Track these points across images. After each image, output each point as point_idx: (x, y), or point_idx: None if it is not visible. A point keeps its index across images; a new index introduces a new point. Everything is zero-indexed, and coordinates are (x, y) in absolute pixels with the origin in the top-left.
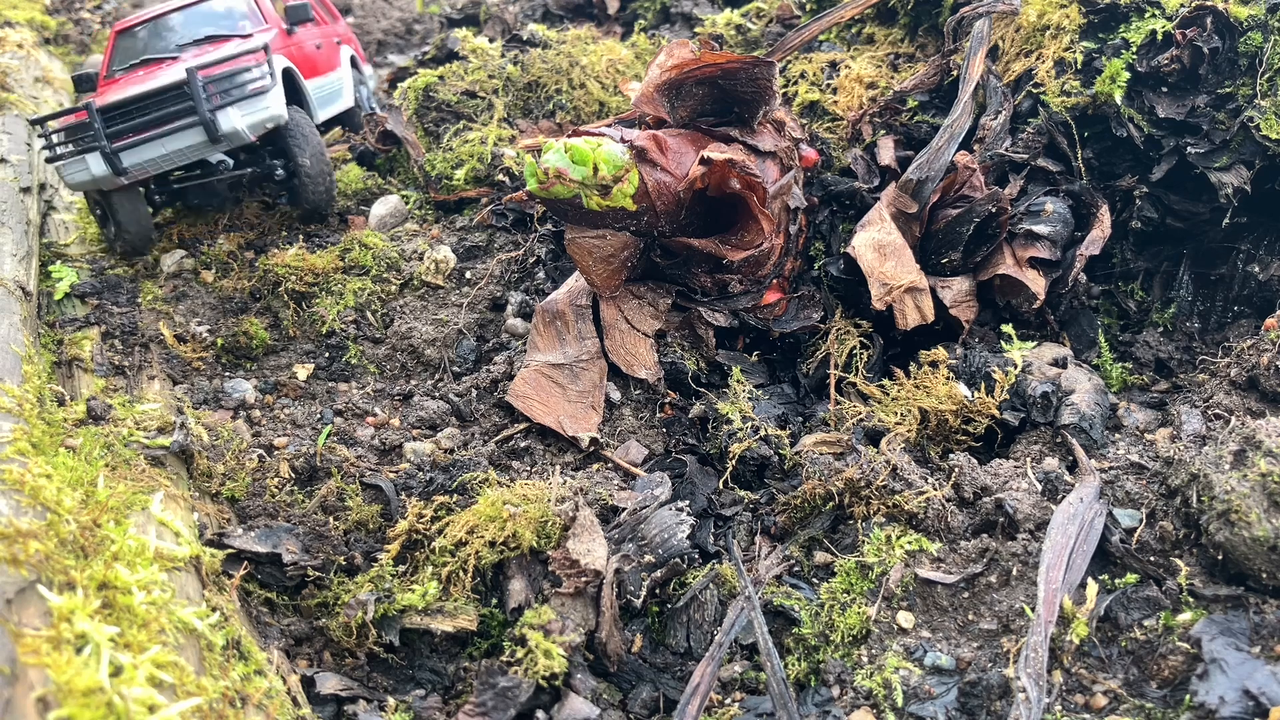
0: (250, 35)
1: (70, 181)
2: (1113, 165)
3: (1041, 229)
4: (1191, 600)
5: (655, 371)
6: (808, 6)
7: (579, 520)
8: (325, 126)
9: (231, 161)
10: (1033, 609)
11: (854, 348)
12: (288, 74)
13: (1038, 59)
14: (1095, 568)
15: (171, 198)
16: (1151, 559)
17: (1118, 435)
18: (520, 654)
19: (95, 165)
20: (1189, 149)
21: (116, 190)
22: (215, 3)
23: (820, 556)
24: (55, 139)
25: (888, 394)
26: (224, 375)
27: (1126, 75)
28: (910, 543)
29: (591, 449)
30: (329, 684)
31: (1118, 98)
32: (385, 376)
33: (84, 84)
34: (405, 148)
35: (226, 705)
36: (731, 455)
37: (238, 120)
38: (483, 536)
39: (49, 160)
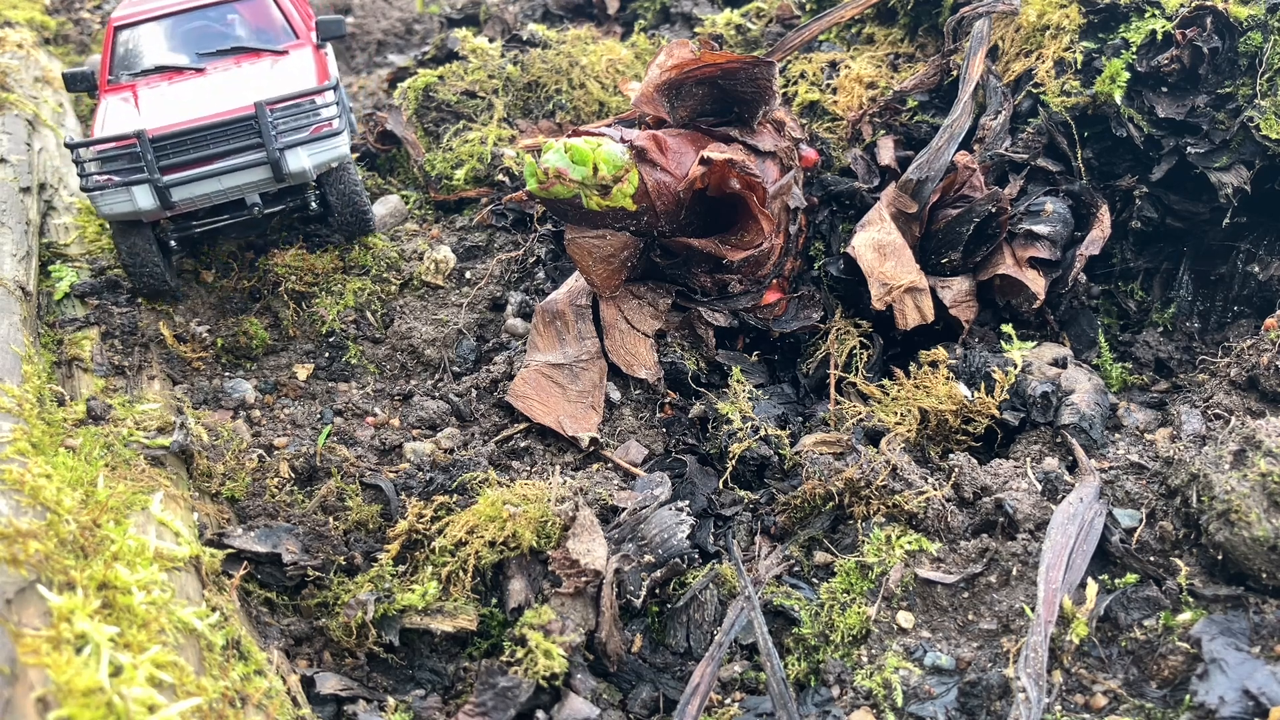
0: (285, 52)
1: (107, 212)
2: (1113, 165)
3: (1041, 229)
4: (1191, 600)
5: (655, 371)
6: (808, 6)
7: (579, 520)
8: None
9: (262, 201)
10: (1033, 609)
11: (854, 348)
12: None
13: (1038, 59)
14: (1095, 568)
15: (194, 238)
16: (1151, 559)
17: (1118, 435)
18: (520, 654)
19: (143, 198)
20: (1189, 149)
21: (120, 223)
22: (236, 7)
23: (820, 556)
24: (92, 167)
25: (888, 394)
26: (224, 375)
27: (1126, 75)
28: (910, 543)
29: (591, 449)
30: (329, 684)
31: (1118, 98)
32: (385, 376)
33: (78, 84)
34: (405, 148)
35: (226, 705)
36: (731, 455)
37: (305, 160)
38: (483, 536)
39: (84, 189)
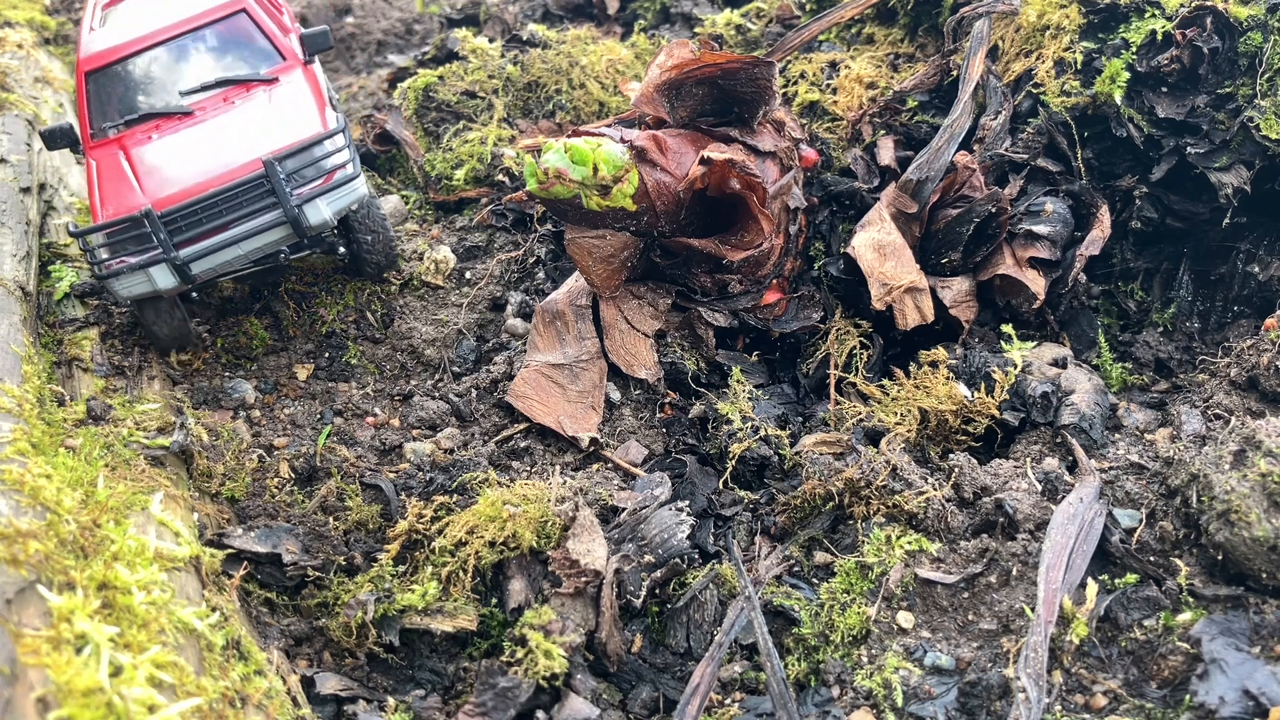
0: (275, 80)
1: (126, 295)
2: (1113, 165)
3: (1041, 229)
4: (1191, 600)
5: (655, 371)
6: (808, 6)
7: (579, 520)
8: None
9: (288, 249)
10: (1033, 609)
11: (854, 348)
12: None
13: (1038, 59)
14: (1095, 568)
15: (212, 288)
16: (1151, 559)
17: (1118, 435)
18: (520, 654)
19: (162, 278)
20: (1189, 149)
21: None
22: (211, 32)
23: (820, 556)
24: (103, 253)
25: (888, 394)
26: (224, 375)
27: (1126, 75)
28: (910, 543)
29: (591, 449)
30: (329, 684)
31: (1118, 98)
32: (385, 376)
33: (58, 141)
34: (404, 148)
35: (226, 705)
36: (731, 455)
37: (325, 211)
38: (483, 536)
39: (97, 277)
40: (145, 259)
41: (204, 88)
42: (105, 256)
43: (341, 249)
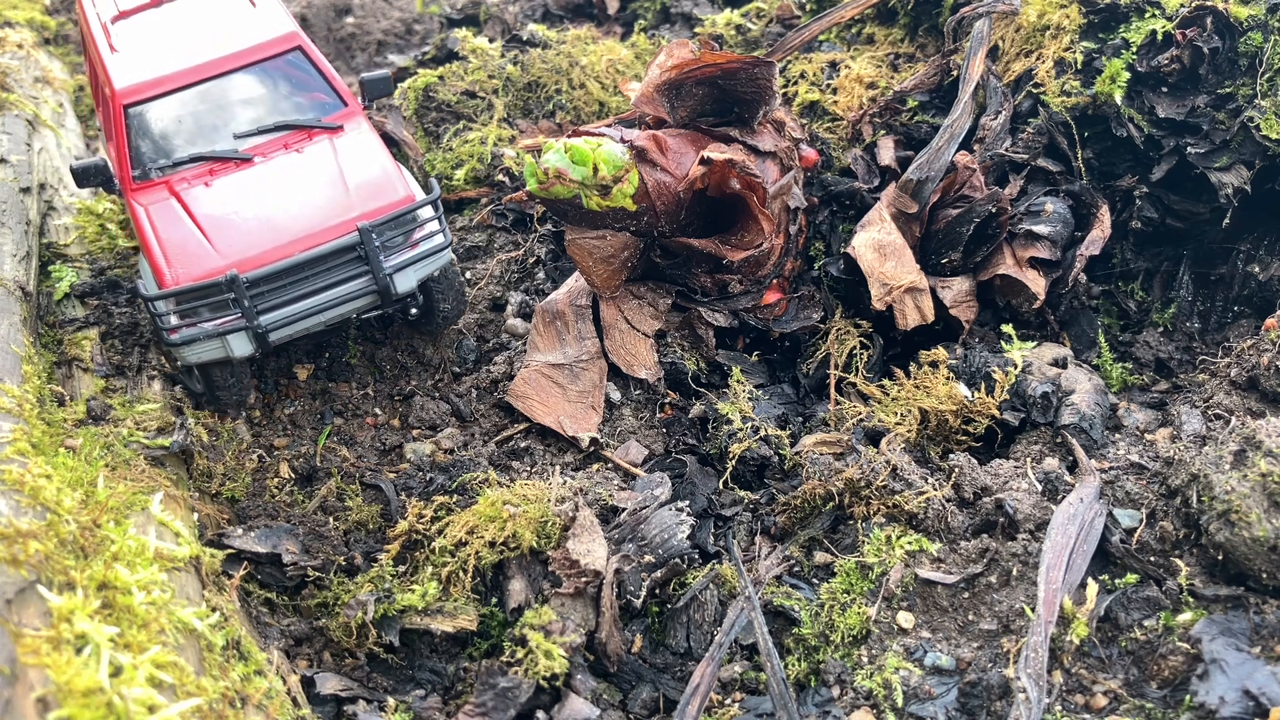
0: (339, 128)
1: (194, 360)
2: (1113, 165)
3: (1041, 229)
4: (1191, 600)
5: (655, 371)
6: (808, 6)
7: (579, 520)
8: None
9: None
10: (1033, 609)
11: (854, 348)
12: None
13: (1038, 59)
14: (1095, 568)
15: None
16: (1151, 559)
17: (1118, 435)
18: (520, 654)
19: (239, 346)
20: (1189, 149)
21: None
22: (265, 69)
23: (820, 556)
24: (173, 319)
25: (888, 394)
26: None
27: (1126, 75)
28: (910, 543)
29: (591, 449)
30: (329, 684)
31: (1118, 98)
32: (385, 377)
33: (90, 179)
34: (403, 148)
35: (226, 705)
36: (731, 455)
37: (413, 279)
38: (483, 537)
39: (168, 344)
40: (223, 325)
41: (261, 131)
42: (175, 321)
43: (415, 310)
